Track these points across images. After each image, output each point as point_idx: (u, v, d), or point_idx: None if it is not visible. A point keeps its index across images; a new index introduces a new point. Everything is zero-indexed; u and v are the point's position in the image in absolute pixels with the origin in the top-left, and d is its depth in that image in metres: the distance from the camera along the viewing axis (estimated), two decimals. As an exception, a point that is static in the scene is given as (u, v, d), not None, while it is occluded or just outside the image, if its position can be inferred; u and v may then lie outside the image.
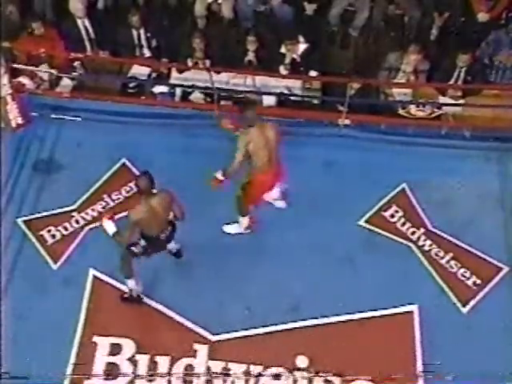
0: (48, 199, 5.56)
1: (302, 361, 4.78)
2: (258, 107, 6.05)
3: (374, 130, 5.98)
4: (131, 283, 4.83)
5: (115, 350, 4.80)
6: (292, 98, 6.25)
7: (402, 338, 4.90)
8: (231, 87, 6.21)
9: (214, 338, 4.87)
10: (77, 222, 5.48)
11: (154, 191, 4.48)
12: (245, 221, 5.25)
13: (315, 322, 4.94)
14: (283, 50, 6.30)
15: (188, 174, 5.66)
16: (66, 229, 5.43)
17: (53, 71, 6.17)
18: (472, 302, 5.06)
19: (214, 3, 6.78)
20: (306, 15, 6.73)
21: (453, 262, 5.28)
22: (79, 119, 6.08)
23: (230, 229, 5.34)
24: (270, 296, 4.99)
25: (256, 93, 6.24)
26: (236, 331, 4.87)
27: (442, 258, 5.31)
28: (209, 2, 6.77)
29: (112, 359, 4.78)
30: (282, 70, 6.30)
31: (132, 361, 4.76)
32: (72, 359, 4.73)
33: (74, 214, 5.52)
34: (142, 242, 4.58)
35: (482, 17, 6.40)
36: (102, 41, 6.48)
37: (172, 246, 4.95)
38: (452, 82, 6.12)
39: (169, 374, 4.70)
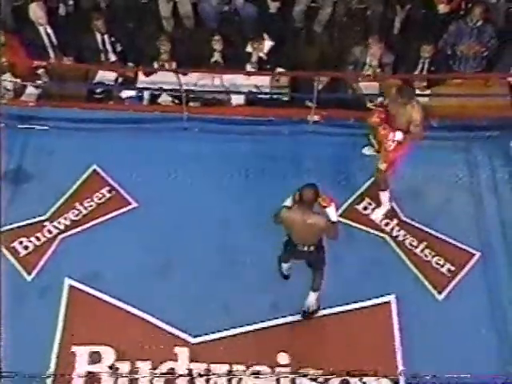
0: (18, 210, 5.46)
1: (283, 358, 4.79)
2: (227, 106, 6.20)
3: (343, 124, 6.02)
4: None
5: (95, 358, 4.76)
6: (261, 96, 6.27)
7: (381, 329, 4.95)
8: (199, 88, 6.21)
9: (194, 341, 4.85)
10: (49, 231, 5.41)
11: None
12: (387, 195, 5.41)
13: (294, 318, 4.95)
14: (249, 48, 6.31)
15: (160, 178, 5.66)
16: (38, 239, 5.35)
17: (17, 80, 6.08)
18: (447, 289, 5.14)
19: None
20: (270, 13, 6.75)
21: (427, 251, 5.35)
22: (47, 128, 6.01)
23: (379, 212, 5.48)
24: (248, 294, 5.00)
25: (224, 92, 6.26)
26: (216, 332, 4.87)
27: (416, 247, 5.38)
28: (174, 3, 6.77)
29: (92, 368, 4.73)
30: (249, 69, 6.32)
31: (113, 368, 4.73)
32: (52, 370, 4.67)
33: (46, 223, 5.44)
34: None
35: (443, 8, 6.51)
36: (66, 47, 6.40)
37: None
38: (417, 72, 6.21)
39: (151, 378, 4.68)
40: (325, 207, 4.36)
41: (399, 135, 5.09)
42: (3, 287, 4.83)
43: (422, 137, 5.13)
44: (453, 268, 5.25)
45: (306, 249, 4.51)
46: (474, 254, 5.31)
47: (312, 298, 4.81)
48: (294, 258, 4.72)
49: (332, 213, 4.38)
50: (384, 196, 5.48)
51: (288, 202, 4.43)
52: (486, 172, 5.79)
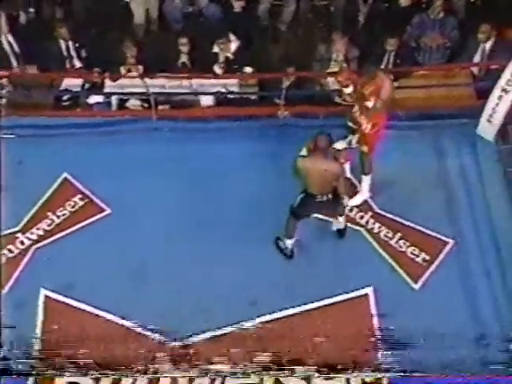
0: (-11, 222, 5.38)
1: (265, 356, 4.79)
2: (196, 108, 6.19)
3: (313, 119, 6.05)
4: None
5: (75, 367, 4.69)
6: (229, 96, 6.28)
7: (361, 321, 4.98)
8: (168, 91, 6.18)
9: (175, 344, 4.83)
10: (22, 243, 5.33)
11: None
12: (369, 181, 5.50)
13: (274, 315, 4.96)
14: (216, 49, 6.31)
15: (132, 183, 5.61)
16: (11, 251, 5.28)
17: (-20, 91, 5.99)
18: (423, 278, 5.20)
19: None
20: (235, 13, 6.76)
21: (401, 242, 5.41)
22: (14, 137, 5.90)
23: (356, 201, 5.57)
24: (227, 294, 4.99)
25: (193, 94, 6.24)
26: (196, 334, 4.85)
27: (391, 238, 5.44)
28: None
29: (74, 379, 4.67)
30: (217, 70, 6.32)
31: (95, 378, 4.68)
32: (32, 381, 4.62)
33: (19, 234, 5.37)
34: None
35: (404, 1, 6.60)
36: (29, 55, 6.31)
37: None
38: (383, 66, 6.28)
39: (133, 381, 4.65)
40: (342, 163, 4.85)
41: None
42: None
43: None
44: (428, 257, 5.33)
45: (324, 198, 4.83)
46: (447, 242, 5.40)
47: (342, 220, 5.27)
48: (314, 210, 5.02)
49: (346, 169, 4.99)
50: (366, 182, 5.52)
51: (303, 152, 4.75)
52: (454, 160, 5.88)
